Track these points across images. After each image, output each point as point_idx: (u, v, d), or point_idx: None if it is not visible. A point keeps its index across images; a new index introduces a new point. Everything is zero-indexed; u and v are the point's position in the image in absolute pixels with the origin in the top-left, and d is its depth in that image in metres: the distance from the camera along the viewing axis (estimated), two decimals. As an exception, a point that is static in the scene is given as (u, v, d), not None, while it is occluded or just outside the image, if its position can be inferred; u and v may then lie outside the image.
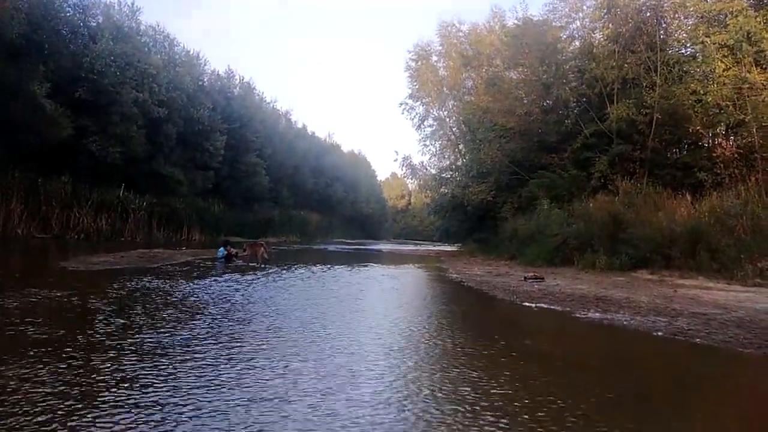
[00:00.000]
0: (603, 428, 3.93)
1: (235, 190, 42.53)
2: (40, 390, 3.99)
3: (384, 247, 46.03)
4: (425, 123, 37.32)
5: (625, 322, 8.55)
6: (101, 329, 6.26)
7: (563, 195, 22.52)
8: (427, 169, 36.97)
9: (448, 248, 40.41)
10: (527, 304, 10.85)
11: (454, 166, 34.46)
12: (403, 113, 37.59)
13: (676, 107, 19.99)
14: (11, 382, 4.12)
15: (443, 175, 34.53)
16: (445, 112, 36.74)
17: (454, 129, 36.56)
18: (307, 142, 62.09)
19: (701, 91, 19.07)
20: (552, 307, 10.36)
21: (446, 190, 34.25)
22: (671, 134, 21.40)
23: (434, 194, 37.81)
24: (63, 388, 4.08)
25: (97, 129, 27.67)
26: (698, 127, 19.73)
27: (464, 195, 29.18)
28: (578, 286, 13.20)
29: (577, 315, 9.35)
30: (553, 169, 24.26)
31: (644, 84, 21.60)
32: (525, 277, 14.99)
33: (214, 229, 34.23)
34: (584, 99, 24.13)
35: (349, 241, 52.54)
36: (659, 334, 7.66)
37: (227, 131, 39.80)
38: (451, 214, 34.34)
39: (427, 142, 37.25)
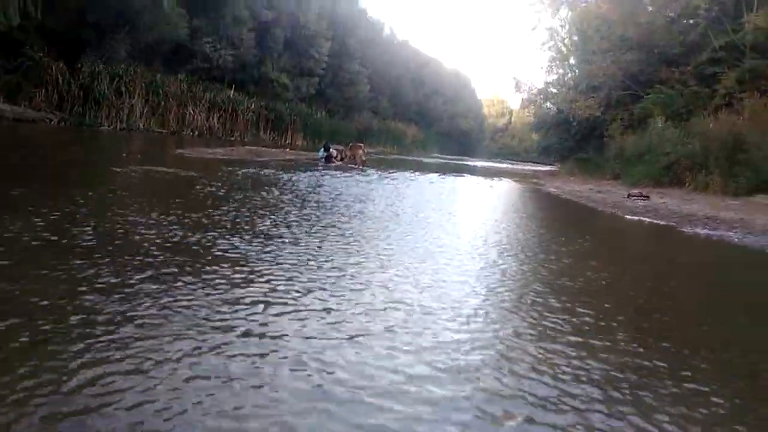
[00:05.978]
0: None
1: (336, 98, 43.07)
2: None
3: (480, 163, 45.52)
4: (535, 31, 34.98)
5: (736, 240, 8.14)
6: (217, 198, 6.85)
7: (680, 112, 20.85)
8: (532, 84, 35.10)
9: (546, 168, 39.23)
10: (629, 217, 10.55)
11: (562, 80, 32.52)
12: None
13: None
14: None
15: (550, 89, 32.80)
16: (558, 21, 34.29)
17: (565, 40, 34.22)
18: (409, 51, 61.03)
19: None
20: (656, 221, 10.01)
21: (551, 105, 32.68)
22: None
23: (538, 110, 36.20)
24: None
25: (210, 30, 28.69)
26: None
27: (570, 110, 27.76)
28: (686, 206, 12.52)
29: (683, 230, 8.99)
30: (671, 84, 22.40)
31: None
32: (629, 194, 14.43)
33: (316, 135, 35.20)
34: (717, 6, 21.64)
35: (444, 156, 52.26)
36: (774, 252, 7.25)
37: (332, 37, 39.81)
38: (554, 130, 32.94)
39: (538, 48, 34.91)
